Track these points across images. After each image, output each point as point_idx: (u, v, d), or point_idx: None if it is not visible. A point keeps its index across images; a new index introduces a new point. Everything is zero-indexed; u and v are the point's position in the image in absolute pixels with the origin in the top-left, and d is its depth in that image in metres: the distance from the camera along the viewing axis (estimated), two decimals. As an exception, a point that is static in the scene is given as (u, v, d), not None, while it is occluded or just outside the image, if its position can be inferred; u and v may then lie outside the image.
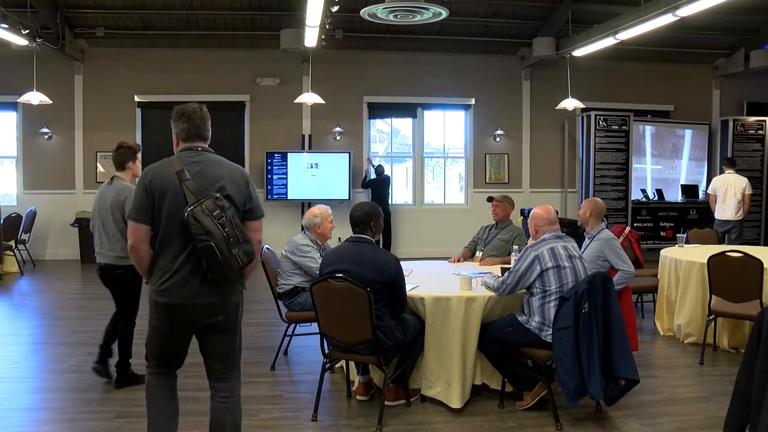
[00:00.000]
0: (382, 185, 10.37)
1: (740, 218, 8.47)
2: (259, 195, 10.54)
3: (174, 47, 10.37)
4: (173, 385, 2.93)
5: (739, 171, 8.95)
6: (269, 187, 10.46)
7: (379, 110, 11.09)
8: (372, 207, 3.93)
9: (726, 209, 8.50)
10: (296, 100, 9.68)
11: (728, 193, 8.49)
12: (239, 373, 2.92)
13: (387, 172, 10.65)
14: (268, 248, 4.99)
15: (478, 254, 5.51)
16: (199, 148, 2.85)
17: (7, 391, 4.24)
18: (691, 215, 10.87)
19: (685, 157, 11.57)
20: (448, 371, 3.89)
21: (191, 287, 2.70)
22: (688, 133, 11.50)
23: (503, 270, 4.18)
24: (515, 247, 5.08)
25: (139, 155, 4.36)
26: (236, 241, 2.65)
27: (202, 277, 2.69)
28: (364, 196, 10.51)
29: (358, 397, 4.08)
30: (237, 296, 2.84)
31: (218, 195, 2.69)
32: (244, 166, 10.36)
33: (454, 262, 5.38)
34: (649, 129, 11.21)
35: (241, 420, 2.89)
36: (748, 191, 8.45)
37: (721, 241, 8.22)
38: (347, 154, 10.58)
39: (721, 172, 8.96)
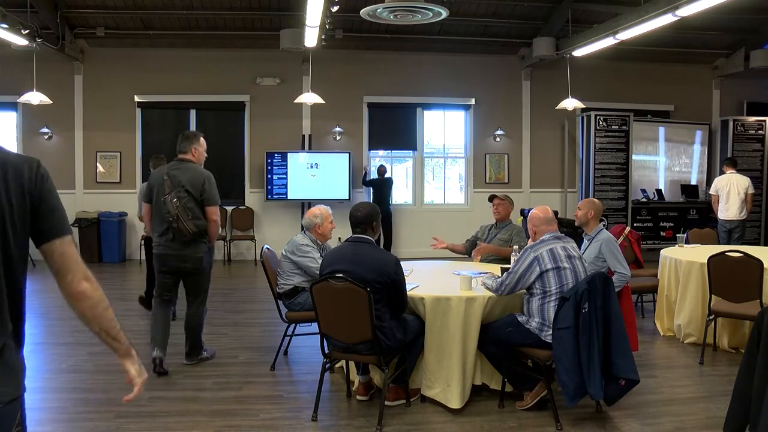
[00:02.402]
0: (383, 186, 10.37)
1: (743, 218, 8.46)
2: (259, 195, 10.55)
3: (174, 47, 10.37)
4: (168, 309, 4.69)
5: (739, 171, 8.94)
6: (269, 187, 10.46)
7: (379, 110, 11.08)
8: (372, 207, 3.95)
9: (729, 209, 8.49)
10: (296, 100, 9.67)
11: (731, 193, 8.48)
12: (202, 299, 4.72)
13: (387, 172, 10.64)
14: (268, 248, 5.00)
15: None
16: (181, 160, 4.60)
17: (7, 391, 4.23)
18: (691, 215, 10.87)
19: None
20: (448, 371, 3.89)
21: (168, 243, 4.51)
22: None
23: (503, 270, 4.18)
24: (515, 247, 5.08)
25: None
26: (187, 218, 4.39)
27: (174, 238, 4.46)
28: (364, 196, 10.51)
29: (358, 397, 4.07)
30: (200, 251, 4.55)
31: (182, 189, 4.43)
32: (244, 166, 10.59)
33: (437, 245, 5.50)
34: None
35: (199, 327, 4.74)
36: (751, 191, 8.45)
37: (725, 242, 8.22)
38: (347, 154, 10.58)
39: (722, 172, 8.96)
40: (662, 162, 11.41)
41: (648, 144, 11.21)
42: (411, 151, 11.25)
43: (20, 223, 1.63)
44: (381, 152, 11.44)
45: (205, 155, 4.82)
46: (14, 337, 1.64)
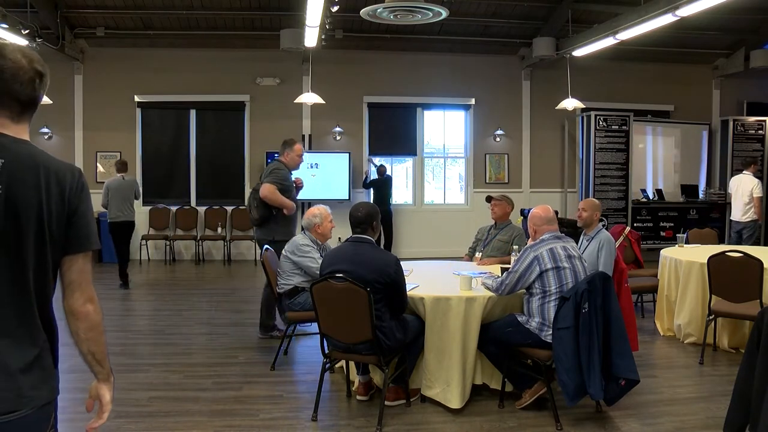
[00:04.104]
0: (384, 185, 10.37)
1: (749, 220, 8.37)
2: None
3: (174, 47, 10.36)
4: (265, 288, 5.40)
5: (738, 171, 8.91)
6: (269, 187, 10.44)
7: (379, 110, 11.07)
8: (372, 207, 3.95)
9: (734, 210, 8.49)
10: (296, 100, 9.67)
11: (736, 195, 8.46)
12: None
13: (387, 172, 10.64)
14: (268, 248, 5.00)
15: (478, 255, 5.51)
16: (276, 161, 5.61)
17: (7, 391, 4.23)
18: (691, 215, 10.86)
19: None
20: (448, 371, 3.89)
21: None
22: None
23: (503, 270, 4.18)
24: (515, 247, 5.08)
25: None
26: (251, 207, 5.44)
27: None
28: (364, 196, 10.51)
29: (358, 397, 4.07)
30: (267, 236, 5.36)
31: (258, 183, 5.50)
32: (244, 166, 10.56)
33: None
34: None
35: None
36: (756, 194, 8.29)
37: (734, 242, 8.18)
38: (347, 154, 10.57)
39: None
40: (661, 162, 11.42)
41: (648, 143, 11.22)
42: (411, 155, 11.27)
43: (57, 231, 1.58)
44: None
45: (300, 160, 5.61)
46: (49, 343, 1.64)
